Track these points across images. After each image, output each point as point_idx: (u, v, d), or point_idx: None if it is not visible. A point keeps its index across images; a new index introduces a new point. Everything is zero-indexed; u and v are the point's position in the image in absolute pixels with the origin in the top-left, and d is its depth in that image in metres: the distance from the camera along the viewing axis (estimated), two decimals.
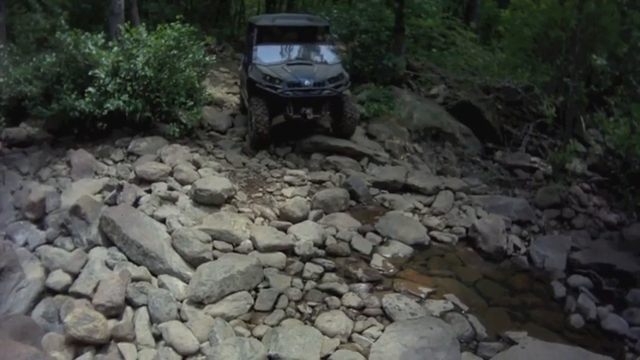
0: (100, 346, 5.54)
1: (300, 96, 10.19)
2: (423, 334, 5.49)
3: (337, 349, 5.44)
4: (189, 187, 7.98)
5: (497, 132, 11.83)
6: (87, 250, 6.82)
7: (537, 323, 6.32)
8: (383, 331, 5.72)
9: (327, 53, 11.48)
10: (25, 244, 7.26)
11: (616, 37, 10.79)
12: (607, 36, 10.66)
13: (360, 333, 5.75)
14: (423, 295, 6.48)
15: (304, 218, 7.77)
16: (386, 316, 6.04)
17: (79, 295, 6.11)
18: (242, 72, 12.60)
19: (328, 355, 5.32)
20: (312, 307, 6.10)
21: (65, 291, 6.27)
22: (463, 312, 6.28)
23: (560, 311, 6.68)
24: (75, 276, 6.39)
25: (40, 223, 7.65)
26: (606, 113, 10.73)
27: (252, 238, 7.06)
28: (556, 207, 9.00)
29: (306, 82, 10.18)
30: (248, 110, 10.64)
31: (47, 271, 6.57)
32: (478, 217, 8.33)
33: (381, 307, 6.13)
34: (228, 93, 13.34)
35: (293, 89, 10.12)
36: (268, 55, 10.90)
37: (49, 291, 6.35)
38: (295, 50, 11.48)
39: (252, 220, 7.62)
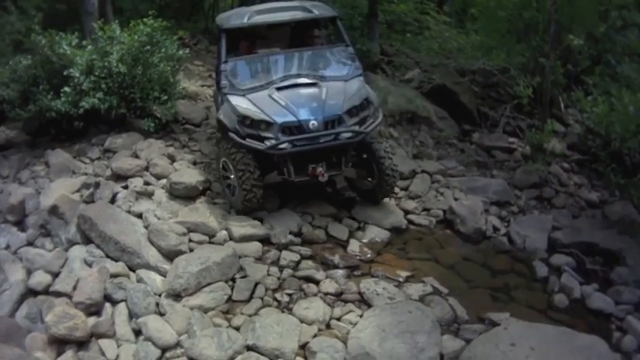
0: (81, 344, 5.58)
1: (303, 148, 6.79)
2: (402, 318, 5.49)
3: (315, 336, 5.47)
4: (164, 180, 7.96)
5: (474, 114, 11.79)
6: (66, 249, 6.87)
7: (520, 304, 6.34)
8: (361, 316, 5.74)
9: (339, 63, 7.85)
10: (7, 246, 7.32)
11: (593, 17, 10.77)
12: (584, 17, 10.62)
13: (338, 319, 5.78)
14: (401, 279, 6.49)
15: (280, 206, 7.65)
16: (364, 302, 6.06)
17: (59, 294, 6.16)
18: (215, 91, 9.50)
19: (306, 343, 5.35)
20: (290, 295, 6.11)
21: (46, 291, 6.32)
22: (443, 295, 6.29)
23: (543, 291, 6.68)
24: (55, 275, 6.46)
25: (21, 225, 7.70)
26: (585, 93, 10.73)
27: (227, 229, 7.02)
28: (535, 187, 9.00)
29: (312, 123, 6.74)
30: (228, 160, 7.23)
31: (29, 273, 6.64)
32: (456, 199, 8.31)
33: (359, 293, 6.14)
34: (202, 86, 13.14)
35: (292, 138, 6.74)
36: (245, 76, 7.58)
37: (31, 292, 6.41)
38: (288, 61, 7.82)
39: (228, 211, 7.56)
